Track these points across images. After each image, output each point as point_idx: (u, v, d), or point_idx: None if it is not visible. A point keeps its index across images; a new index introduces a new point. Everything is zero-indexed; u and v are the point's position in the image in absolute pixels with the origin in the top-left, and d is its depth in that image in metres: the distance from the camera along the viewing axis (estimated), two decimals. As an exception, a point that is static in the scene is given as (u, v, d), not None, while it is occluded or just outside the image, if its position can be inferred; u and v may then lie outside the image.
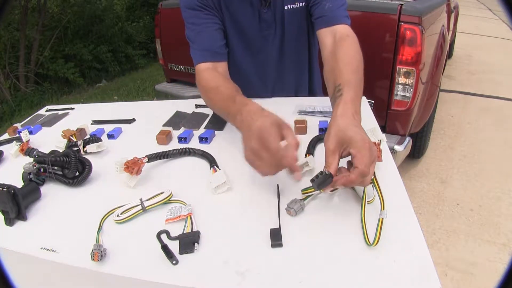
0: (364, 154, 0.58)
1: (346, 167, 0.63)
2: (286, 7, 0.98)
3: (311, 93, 1.19)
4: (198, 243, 0.59)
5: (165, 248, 0.57)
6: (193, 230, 0.61)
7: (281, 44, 1.05)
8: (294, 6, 0.98)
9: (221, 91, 0.83)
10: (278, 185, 0.70)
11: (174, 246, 0.58)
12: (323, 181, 0.59)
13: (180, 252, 0.57)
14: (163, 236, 0.61)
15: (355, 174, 0.58)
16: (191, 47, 0.97)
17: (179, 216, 0.64)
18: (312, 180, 0.60)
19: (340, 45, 0.86)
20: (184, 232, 0.61)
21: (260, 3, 0.97)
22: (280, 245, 0.57)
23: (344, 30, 0.90)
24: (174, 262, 0.56)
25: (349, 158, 0.62)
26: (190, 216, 0.63)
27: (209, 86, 0.87)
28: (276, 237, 0.58)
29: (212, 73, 0.92)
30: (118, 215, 0.65)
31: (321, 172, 0.59)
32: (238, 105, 0.73)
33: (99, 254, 0.56)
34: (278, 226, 0.60)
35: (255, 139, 0.62)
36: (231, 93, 0.80)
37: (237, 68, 1.11)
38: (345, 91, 0.72)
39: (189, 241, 0.58)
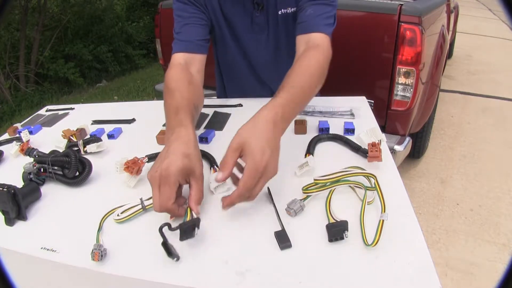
0: (250, 166, 0.58)
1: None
2: (280, 12, 0.97)
3: None
4: (198, 227, 0.58)
5: (165, 244, 0.57)
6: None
7: (275, 48, 1.04)
8: (287, 11, 0.97)
9: (174, 97, 0.77)
10: (268, 187, 0.70)
11: (176, 243, 0.58)
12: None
13: (181, 239, 0.57)
14: (165, 229, 0.60)
15: (234, 195, 0.58)
16: (174, 39, 0.95)
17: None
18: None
19: (304, 55, 0.83)
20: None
21: (253, 7, 0.97)
22: (289, 246, 0.57)
23: (317, 40, 0.86)
24: (175, 259, 0.55)
25: None
26: (190, 208, 0.63)
27: (168, 86, 0.81)
28: (283, 239, 0.58)
29: (179, 72, 0.86)
30: (118, 215, 0.65)
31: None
32: (176, 122, 0.70)
33: (99, 254, 0.56)
34: (280, 228, 0.60)
35: (159, 172, 0.60)
36: (181, 104, 0.75)
37: (234, 70, 1.12)
38: (280, 94, 0.68)
39: (189, 227, 0.57)
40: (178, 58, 0.91)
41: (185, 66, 0.89)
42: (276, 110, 0.65)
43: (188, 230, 0.57)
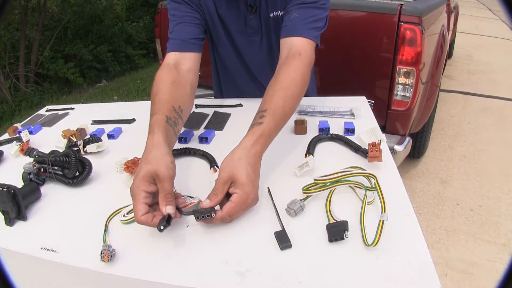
0: (240, 196, 0.61)
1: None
2: (271, 15, 0.97)
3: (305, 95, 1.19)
4: (215, 213, 0.60)
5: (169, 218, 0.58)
6: None
7: (269, 50, 1.04)
8: (277, 13, 0.97)
9: (154, 100, 0.79)
10: (268, 187, 0.70)
11: (176, 243, 0.58)
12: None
13: (197, 219, 0.59)
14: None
15: (217, 216, 0.60)
16: (169, 38, 0.96)
17: (191, 203, 0.65)
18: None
19: (286, 64, 0.82)
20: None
21: (246, 9, 0.97)
22: (289, 246, 0.57)
23: (299, 46, 0.85)
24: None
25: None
26: (201, 202, 0.64)
27: (153, 89, 0.82)
28: (283, 239, 0.58)
29: (165, 73, 0.86)
30: (124, 215, 0.65)
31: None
32: (149, 128, 0.72)
33: (109, 254, 0.56)
34: (280, 228, 0.60)
35: (132, 184, 0.62)
36: (156, 107, 0.76)
37: (230, 69, 1.12)
38: (266, 121, 0.70)
39: (205, 211, 0.59)
40: (169, 58, 0.91)
41: (173, 66, 0.89)
42: (261, 142, 0.68)
43: (206, 212, 0.59)
